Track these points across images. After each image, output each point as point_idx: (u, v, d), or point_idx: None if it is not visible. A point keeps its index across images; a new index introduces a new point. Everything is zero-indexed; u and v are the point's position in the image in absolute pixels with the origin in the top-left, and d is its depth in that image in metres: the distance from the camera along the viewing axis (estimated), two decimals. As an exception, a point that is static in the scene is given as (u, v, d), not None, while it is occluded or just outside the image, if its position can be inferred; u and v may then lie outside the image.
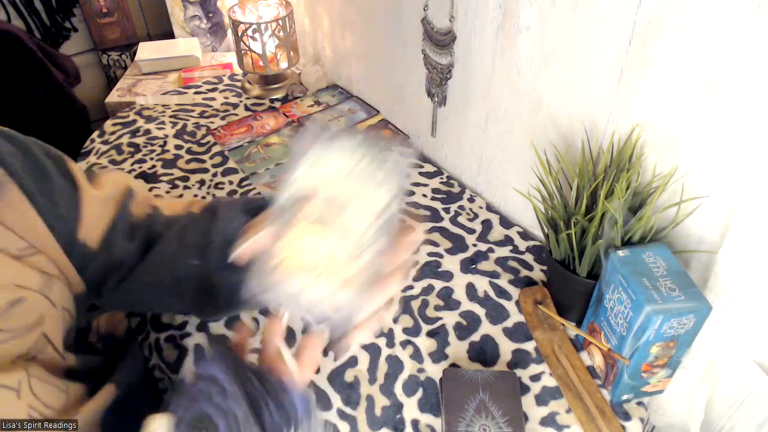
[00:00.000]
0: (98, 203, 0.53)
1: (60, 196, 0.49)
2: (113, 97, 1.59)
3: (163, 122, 1.25)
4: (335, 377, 0.73)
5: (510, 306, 0.81)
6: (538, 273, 0.86)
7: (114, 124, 1.25)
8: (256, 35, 1.24)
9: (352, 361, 0.75)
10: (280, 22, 1.24)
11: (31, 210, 0.46)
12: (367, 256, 0.38)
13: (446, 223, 0.95)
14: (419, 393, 0.71)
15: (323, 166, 0.38)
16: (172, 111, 1.29)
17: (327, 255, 0.38)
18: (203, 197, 1.03)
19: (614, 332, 0.65)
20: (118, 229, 0.54)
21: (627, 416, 0.67)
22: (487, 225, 0.95)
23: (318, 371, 0.73)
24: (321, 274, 0.38)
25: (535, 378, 0.72)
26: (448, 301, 0.82)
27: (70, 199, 0.50)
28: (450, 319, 0.79)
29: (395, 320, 0.79)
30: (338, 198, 0.38)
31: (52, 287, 0.47)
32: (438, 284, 0.85)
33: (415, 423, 0.68)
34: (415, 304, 0.82)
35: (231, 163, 1.12)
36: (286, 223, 0.38)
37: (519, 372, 0.72)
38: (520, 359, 0.74)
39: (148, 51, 1.69)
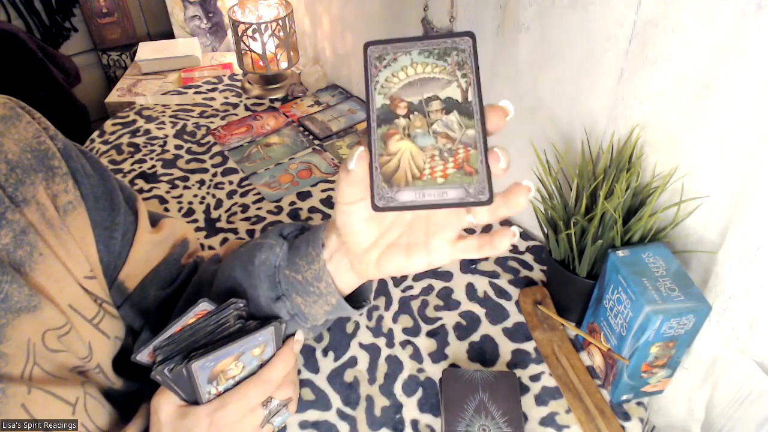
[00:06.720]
0: (151, 245, 0.52)
1: (120, 231, 0.49)
2: (113, 97, 1.59)
3: (163, 122, 1.25)
4: (335, 377, 0.73)
5: (510, 306, 0.81)
6: (537, 273, 0.86)
7: (114, 124, 1.25)
8: (256, 35, 1.24)
9: (352, 361, 0.75)
10: (280, 22, 1.24)
11: (90, 236, 0.46)
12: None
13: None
14: (419, 393, 0.71)
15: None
16: (172, 111, 1.29)
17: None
18: (203, 197, 1.03)
19: (614, 332, 0.65)
20: (159, 276, 0.53)
21: (626, 416, 0.67)
22: (486, 225, 0.95)
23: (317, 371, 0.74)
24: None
25: (535, 378, 0.71)
26: (447, 301, 0.82)
27: (126, 236, 0.50)
28: (450, 319, 0.79)
29: (395, 320, 0.79)
30: None
31: (104, 316, 0.47)
32: (438, 284, 0.84)
33: (414, 423, 0.68)
34: (415, 304, 0.82)
35: (231, 163, 1.12)
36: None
37: (519, 372, 0.72)
38: (519, 359, 0.74)
39: (148, 51, 1.69)
